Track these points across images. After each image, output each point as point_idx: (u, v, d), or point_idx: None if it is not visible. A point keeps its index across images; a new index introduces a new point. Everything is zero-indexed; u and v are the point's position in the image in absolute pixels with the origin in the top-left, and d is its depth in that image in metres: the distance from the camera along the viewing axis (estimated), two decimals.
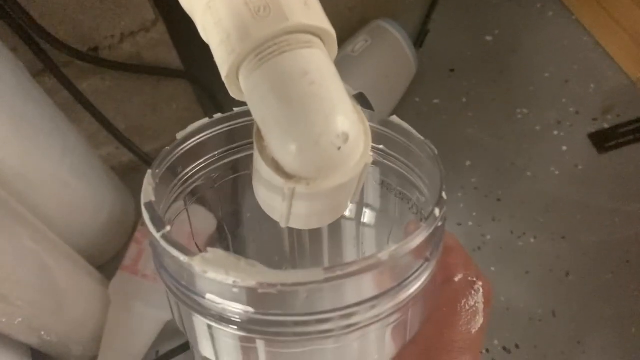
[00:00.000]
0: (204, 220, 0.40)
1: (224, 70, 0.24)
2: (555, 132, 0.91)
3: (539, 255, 0.81)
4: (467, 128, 0.93)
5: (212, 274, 0.23)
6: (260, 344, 0.25)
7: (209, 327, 0.26)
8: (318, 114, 0.23)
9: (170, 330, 0.74)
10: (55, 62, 0.65)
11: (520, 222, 0.84)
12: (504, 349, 0.75)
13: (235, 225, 0.42)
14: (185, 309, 0.27)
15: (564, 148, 0.89)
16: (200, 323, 0.26)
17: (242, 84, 0.25)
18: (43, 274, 0.60)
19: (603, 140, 0.89)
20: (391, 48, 0.87)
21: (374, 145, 0.34)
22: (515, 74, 0.98)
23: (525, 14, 1.05)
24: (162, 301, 0.72)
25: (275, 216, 0.27)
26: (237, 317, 0.24)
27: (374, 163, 0.35)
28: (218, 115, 0.34)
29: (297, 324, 0.24)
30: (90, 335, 0.70)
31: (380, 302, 0.25)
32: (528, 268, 0.80)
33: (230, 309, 0.24)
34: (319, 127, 0.23)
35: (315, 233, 0.42)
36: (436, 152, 0.31)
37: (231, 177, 0.38)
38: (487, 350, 0.74)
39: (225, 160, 0.36)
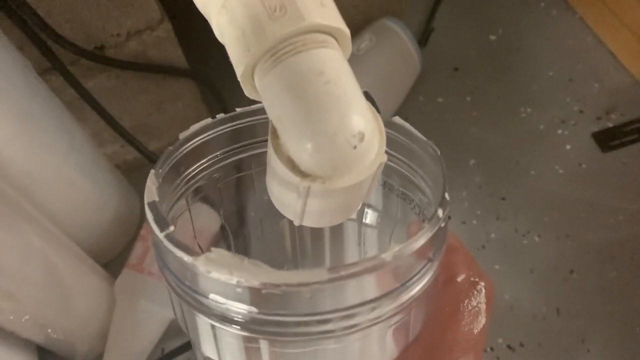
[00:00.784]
0: (207, 219, 0.40)
1: (239, 69, 0.24)
2: (559, 131, 0.91)
3: (543, 253, 0.81)
4: (471, 127, 0.93)
5: (215, 274, 0.23)
6: (263, 344, 0.25)
7: (212, 327, 0.26)
8: (334, 112, 0.23)
9: (175, 328, 0.75)
10: (61, 61, 0.66)
11: (524, 221, 0.84)
12: (509, 347, 0.75)
13: (237, 225, 0.42)
14: (188, 308, 0.27)
15: (568, 147, 0.89)
16: (203, 323, 0.27)
17: (257, 83, 0.25)
18: (50, 272, 0.60)
19: (607, 139, 0.89)
20: (396, 47, 0.87)
21: None
22: (519, 73, 0.98)
23: (530, 13, 1.04)
24: (168, 299, 0.72)
25: (289, 214, 0.28)
26: (240, 317, 0.24)
27: None
28: (221, 116, 0.34)
29: (299, 324, 0.24)
30: (95, 332, 0.70)
31: (382, 303, 0.25)
32: (532, 266, 0.81)
33: (234, 309, 0.24)
34: (335, 125, 0.23)
35: (317, 233, 0.42)
36: (439, 152, 0.31)
37: (234, 176, 0.38)
38: (492, 349, 0.74)
39: (228, 160, 0.36)
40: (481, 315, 0.31)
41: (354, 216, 0.41)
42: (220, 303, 0.25)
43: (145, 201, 0.27)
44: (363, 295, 0.25)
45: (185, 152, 0.33)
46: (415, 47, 0.89)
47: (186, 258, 0.24)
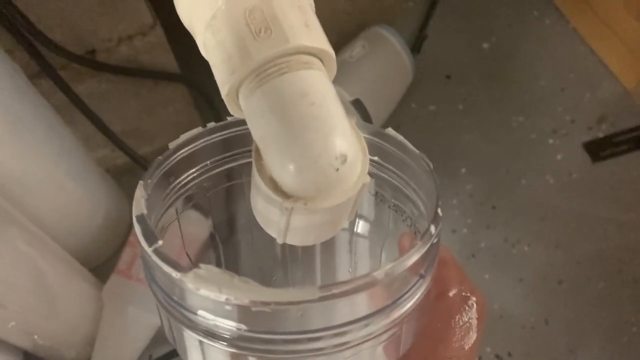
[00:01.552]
0: (197, 227, 0.40)
1: (224, 89, 0.24)
2: (551, 141, 0.91)
3: (532, 263, 0.82)
4: (462, 135, 0.93)
5: (204, 291, 0.23)
6: None
7: (200, 342, 0.26)
8: (317, 135, 0.23)
9: (163, 335, 0.74)
10: (51, 65, 0.65)
11: (514, 230, 0.84)
12: (497, 356, 0.75)
13: (227, 233, 0.42)
14: (175, 323, 0.27)
15: (559, 157, 0.90)
16: (190, 338, 0.26)
17: (241, 103, 0.25)
18: (37, 278, 0.59)
19: (598, 150, 0.90)
20: (388, 55, 0.87)
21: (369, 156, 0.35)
22: (511, 82, 0.98)
23: (523, 22, 1.05)
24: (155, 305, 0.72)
25: (273, 232, 0.27)
26: (229, 333, 0.24)
27: (369, 174, 0.35)
28: (211, 124, 0.34)
29: (289, 342, 0.24)
30: (83, 338, 0.70)
31: (374, 320, 0.25)
32: (522, 276, 0.81)
33: (222, 325, 0.24)
34: (318, 148, 0.23)
35: None
36: (431, 166, 0.31)
37: (224, 185, 0.38)
38: (480, 358, 0.75)
39: (218, 169, 0.36)
40: (472, 331, 0.31)
41: (345, 226, 0.41)
42: (209, 319, 0.24)
43: (134, 213, 0.27)
44: (354, 312, 0.24)
45: (175, 161, 0.32)
46: (408, 55, 0.89)
47: (174, 274, 0.24)
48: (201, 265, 0.23)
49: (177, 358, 0.74)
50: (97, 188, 0.76)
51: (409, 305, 0.26)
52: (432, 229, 0.26)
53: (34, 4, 0.62)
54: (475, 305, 0.31)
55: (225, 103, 0.25)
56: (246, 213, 0.41)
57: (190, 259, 0.40)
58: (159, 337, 0.74)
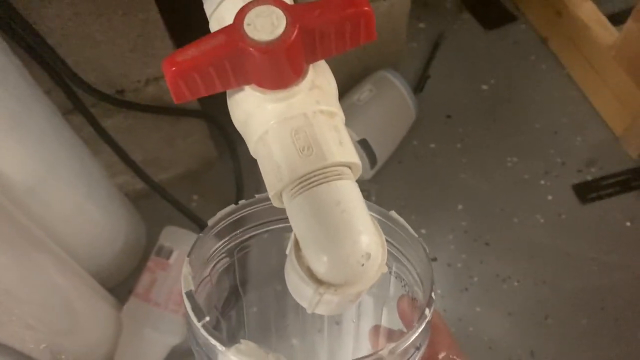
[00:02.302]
0: (224, 283, 0.46)
1: (271, 191, 0.30)
2: (542, 182, 0.97)
3: (521, 298, 0.87)
4: (460, 173, 0.99)
5: None
6: None
7: None
8: (347, 238, 0.29)
9: (176, 355, 0.80)
10: (84, 103, 0.71)
11: (505, 266, 0.90)
12: None
13: (247, 288, 0.48)
14: None
15: (550, 197, 0.96)
16: None
17: (285, 202, 0.31)
18: (66, 303, 0.65)
19: (586, 192, 0.96)
20: (393, 98, 0.93)
21: None
22: (508, 123, 1.05)
23: (520, 66, 1.11)
24: (170, 327, 0.77)
25: (304, 303, 0.33)
26: None
27: None
28: (242, 202, 0.40)
29: None
30: (102, 357, 0.75)
31: None
32: (511, 310, 0.87)
33: None
34: (348, 249, 0.29)
35: None
36: (428, 251, 0.37)
37: (245, 251, 0.44)
38: None
39: (244, 237, 0.42)
40: None
41: None
42: None
43: (183, 290, 0.33)
44: None
45: (211, 235, 0.39)
46: (411, 97, 0.95)
47: (220, 347, 0.30)
48: (242, 340, 0.30)
49: None
50: (118, 215, 0.82)
51: None
52: (427, 312, 0.32)
53: (73, 51, 0.68)
54: None
55: (271, 199, 0.31)
56: (263, 272, 0.48)
57: (216, 309, 0.46)
58: (172, 357, 0.79)
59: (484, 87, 1.09)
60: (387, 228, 0.39)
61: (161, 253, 0.81)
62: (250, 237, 0.42)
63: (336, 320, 0.51)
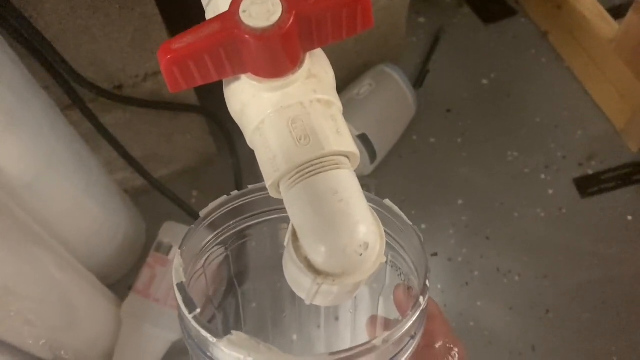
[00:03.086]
0: (218, 275, 0.46)
1: (268, 181, 0.30)
2: (543, 176, 0.97)
3: (522, 292, 0.87)
4: (460, 167, 0.99)
5: (235, 355, 0.29)
6: None
7: None
8: (345, 227, 0.29)
9: (175, 350, 0.80)
10: (82, 99, 0.71)
11: (506, 260, 0.90)
12: None
13: (243, 279, 0.48)
14: None
15: (550, 191, 0.96)
16: None
17: (282, 192, 0.30)
18: (66, 299, 0.65)
19: (587, 186, 0.95)
20: (393, 92, 0.93)
21: None
22: (508, 117, 1.04)
23: (520, 60, 1.11)
24: (170, 323, 0.77)
25: (301, 294, 0.33)
26: None
27: None
28: (234, 193, 0.40)
29: None
30: (102, 353, 0.75)
31: None
32: (511, 304, 0.86)
33: None
34: (346, 238, 0.29)
35: None
36: (422, 238, 0.36)
37: (241, 241, 0.44)
38: None
39: (238, 228, 0.42)
40: None
41: None
42: None
43: (174, 282, 0.33)
44: None
45: (204, 227, 0.39)
46: (411, 92, 0.95)
47: (211, 338, 0.29)
48: (233, 332, 0.30)
49: None
50: (118, 211, 0.81)
51: None
52: (421, 299, 0.32)
53: (70, 46, 0.67)
54: (457, 355, 0.37)
55: (268, 190, 0.31)
56: (258, 264, 0.47)
57: (211, 302, 0.46)
58: (172, 352, 0.79)
59: (484, 81, 1.09)
60: (382, 216, 0.39)
61: (160, 249, 0.81)
62: (243, 229, 0.42)
63: (333, 313, 0.50)
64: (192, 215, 0.85)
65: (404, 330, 0.30)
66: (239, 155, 0.93)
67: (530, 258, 0.90)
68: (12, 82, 0.57)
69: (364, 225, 0.29)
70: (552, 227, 0.92)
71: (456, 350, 0.37)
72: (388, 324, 0.42)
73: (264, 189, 0.40)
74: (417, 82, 1.06)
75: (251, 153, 0.32)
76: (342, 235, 0.29)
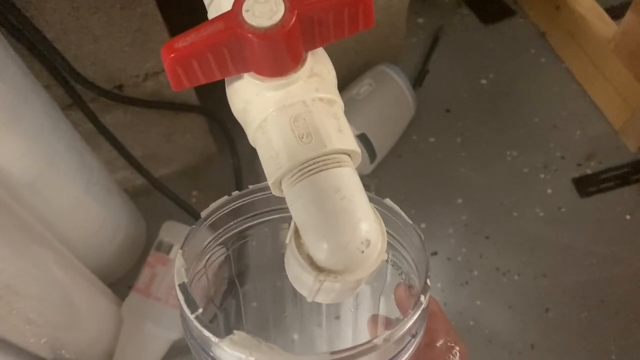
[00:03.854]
0: (220, 275, 0.46)
1: (270, 179, 0.30)
2: (542, 175, 0.97)
3: (521, 291, 0.88)
4: (459, 167, 0.99)
5: (237, 354, 0.29)
6: None
7: None
8: (347, 225, 0.29)
9: (176, 349, 0.80)
10: (83, 99, 0.71)
11: (505, 260, 0.90)
12: None
13: (244, 279, 0.48)
14: None
15: (549, 191, 0.96)
16: None
17: (284, 190, 0.31)
18: (66, 298, 0.65)
19: (585, 185, 0.96)
20: (393, 92, 0.93)
21: None
22: (507, 117, 1.05)
23: (519, 60, 1.11)
24: (171, 322, 0.77)
25: (303, 292, 0.33)
26: None
27: None
28: (235, 193, 0.40)
29: None
30: (102, 351, 0.75)
31: None
32: (511, 303, 0.87)
33: None
34: (348, 235, 0.29)
35: None
36: (422, 237, 0.36)
37: (242, 241, 0.44)
38: None
39: (239, 229, 0.42)
40: None
41: None
42: None
43: (176, 282, 0.33)
44: None
45: (205, 227, 0.39)
46: (410, 92, 0.95)
47: (213, 338, 0.29)
48: (235, 332, 0.30)
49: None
50: (118, 211, 0.82)
51: (403, 359, 0.32)
52: (422, 298, 0.32)
53: (71, 45, 0.68)
54: (458, 354, 0.37)
55: (270, 188, 0.31)
56: (259, 264, 0.48)
57: (213, 302, 0.46)
58: (172, 351, 0.79)
59: (483, 81, 1.09)
60: (382, 215, 0.38)
61: (161, 248, 0.81)
62: (244, 229, 0.42)
63: (335, 313, 0.51)
64: (192, 215, 0.86)
65: (405, 329, 0.31)
66: (239, 155, 0.93)
67: (530, 257, 0.90)
68: (14, 81, 0.57)
69: (365, 223, 0.29)
70: (551, 227, 0.93)
71: (457, 348, 0.37)
72: (389, 323, 0.42)
73: (265, 189, 0.40)
74: (417, 82, 1.06)
75: (251, 153, 0.32)
76: (344, 232, 0.29)
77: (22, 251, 0.57)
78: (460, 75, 1.10)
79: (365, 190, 0.32)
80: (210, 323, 0.31)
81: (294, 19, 0.28)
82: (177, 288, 0.33)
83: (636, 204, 0.94)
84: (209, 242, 0.41)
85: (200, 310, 0.31)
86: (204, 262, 0.41)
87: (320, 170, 0.29)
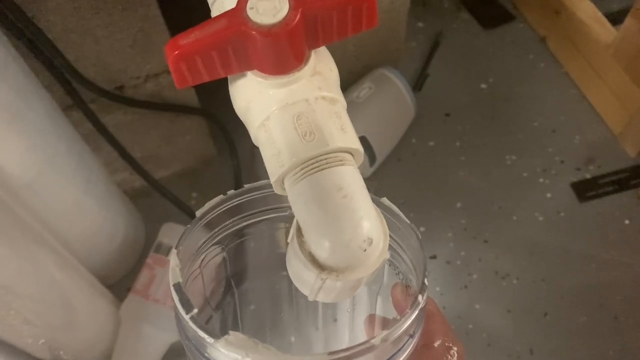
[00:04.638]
0: (216, 275, 0.45)
1: (273, 177, 0.30)
2: (541, 180, 0.97)
3: (520, 295, 0.87)
4: (459, 171, 0.99)
5: (233, 355, 0.29)
6: None
7: None
8: (349, 223, 0.29)
9: (174, 351, 0.80)
10: (83, 100, 0.71)
11: (504, 264, 0.90)
12: None
13: (240, 279, 0.48)
14: None
15: (548, 195, 0.96)
16: None
17: (286, 188, 0.31)
18: (65, 299, 0.65)
19: (584, 190, 0.96)
20: (392, 95, 0.93)
21: None
22: (506, 122, 1.05)
23: (519, 65, 1.11)
24: (169, 324, 0.77)
25: (304, 290, 0.33)
26: None
27: None
28: (231, 192, 0.40)
29: None
30: (101, 353, 0.75)
31: None
32: (510, 307, 0.87)
33: None
34: (349, 234, 0.29)
35: None
36: (420, 236, 0.36)
37: (239, 240, 0.44)
38: None
39: (235, 228, 0.42)
40: None
41: None
42: None
43: (171, 282, 0.33)
44: None
45: (200, 226, 0.39)
46: (410, 95, 0.96)
47: (208, 339, 0.29)
48: (230, 332, 0.29)
49: None
50: (117, 212, 0.81)
51: (400, 359, 0.32)
52: (420, 298, 0.32)
53: (72, 46, 0.68)
54: (456, 354, 0.37)
55: (273, 186, 0.31)
56: (256, 264, 0.47)
57: (208, 303, 0.46)
58: (171, 353, 0.79)
59: (483, 85, 1.09)
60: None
61: (160, 250, 0.81)
62: (241, 228, 0.42)
63: (332, 313, 0.50)
64: (191, 217, 0.84)
65: (402, 329, 0.30)
66: (239, 157, 0.93)
67: (529, 261, 0.90)
68: (15, 81, 0.57)
69: (367, 221, 0.29)
70: (550, 231, 0.93)
71: (455, 348, 0.37)
72: (386, 323, 0.42)
73: (261, 187, 0.40)
74: (417, 85, 1.07)
75: (251, 155, 0.32)
76: (346, 230, 0.29)
77: (20, 251, 0.57)
78: (460, 80, 1.10)
79: None
80: (205, 324, 0.30)
81: (297, 17, 0.28)
82: (172, 288, 0.32)
83: (635, 209, 0.94)
84: (205, 242, 0.40)
85: (196, 310, 0.31)
86: (199, 261, 0.40)
87: (323, 169, 0.29)
